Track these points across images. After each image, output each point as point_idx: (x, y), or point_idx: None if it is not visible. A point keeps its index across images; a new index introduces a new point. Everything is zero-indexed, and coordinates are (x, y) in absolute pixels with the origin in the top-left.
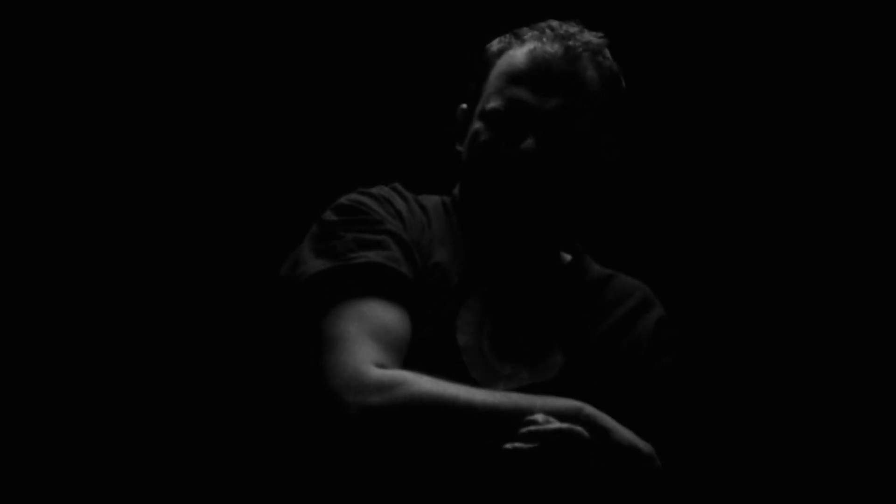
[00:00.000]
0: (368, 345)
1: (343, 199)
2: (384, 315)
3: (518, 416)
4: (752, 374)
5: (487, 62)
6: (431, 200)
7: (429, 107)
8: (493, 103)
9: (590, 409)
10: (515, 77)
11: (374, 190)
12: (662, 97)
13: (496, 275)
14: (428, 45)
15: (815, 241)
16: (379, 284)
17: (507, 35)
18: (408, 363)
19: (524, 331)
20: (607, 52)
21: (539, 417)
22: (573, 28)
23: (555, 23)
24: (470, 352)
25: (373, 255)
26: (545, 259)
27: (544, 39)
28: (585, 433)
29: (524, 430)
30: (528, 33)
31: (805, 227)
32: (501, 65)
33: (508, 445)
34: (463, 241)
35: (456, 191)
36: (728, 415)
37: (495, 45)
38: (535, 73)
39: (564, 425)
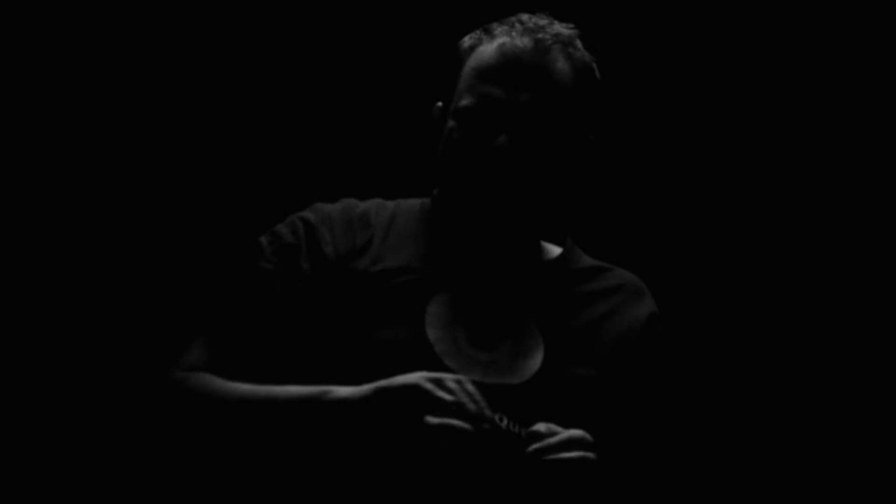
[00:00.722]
0: (195, 354)
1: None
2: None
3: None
4: (747, 371)
5: (459, 59)
6: (407, 204)
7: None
8: (465, 101)
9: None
10: (486, 73)
11: (305, 213)
12: (655, 92)
13: (470, 269)
14: (423, 43)
15: (809, 235)
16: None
17: (478, 31)
18: (385, 364)
19: (502, 320)
20: (579, 43)
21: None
22: (543, 20)
23: (525, 16)
24: (442, 343)
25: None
26: (523, 252)
27: (513, 34)
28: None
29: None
30: (497, 28)
31: (799, 221)
32: (472, 61)
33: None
34: (437, 239)
35: (435, 191)
36: (723, 412)
37: (466, 41)
38: (506, 68)
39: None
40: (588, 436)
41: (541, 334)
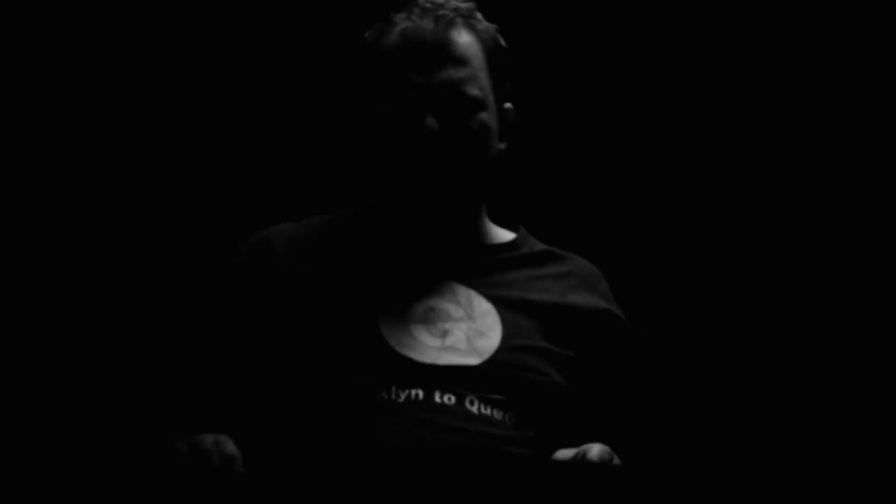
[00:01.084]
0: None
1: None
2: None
3: None
4: (746, 370)
5: (366, 55)
6: (344, 214)
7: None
8: (384, 93)
9: None
10: (397, 61)
11: (258, 234)
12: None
13: (416, 260)
14: None
15: (806, 233)
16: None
17: (377, 24)
18: (346, 367)
19: (455, 304)
20: (479, 15)
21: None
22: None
23: None
24: (398, 337)
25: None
26: (469, 232)
27: (413, 17)
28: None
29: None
30: (397, 16)
31: (796, 219)
32: (380, 54)
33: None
34: (383, 241)
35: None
36: (721, 411)
37: (370, 36)
38: (414, 52)
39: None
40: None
41: (497, 314)
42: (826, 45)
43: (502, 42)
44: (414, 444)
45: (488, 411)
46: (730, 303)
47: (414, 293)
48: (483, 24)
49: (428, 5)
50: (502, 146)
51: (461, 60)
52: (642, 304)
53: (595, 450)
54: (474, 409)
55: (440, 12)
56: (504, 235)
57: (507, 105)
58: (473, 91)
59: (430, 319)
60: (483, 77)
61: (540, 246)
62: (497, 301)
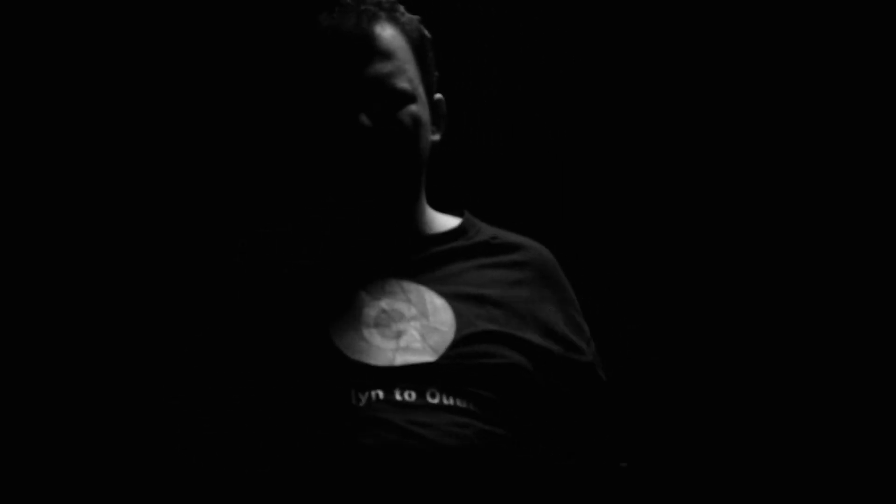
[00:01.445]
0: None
1: None
2: None
3: None
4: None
5: (300, 57)
6: (311, 216)
7: None
8: (318, 93)
9: None
10: (325, 61)
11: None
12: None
13: (363, 264)
14: None
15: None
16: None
17: (304, 27)
18: (303, 381)
19: (405, 302)
20: (402, 8)
21: None
22: None
23: None
24: (352, 346)
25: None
26: (408, 229)
27: (335, 16)
28: None
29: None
30: (321, 17)
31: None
32: (310, 55)
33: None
34: (329, 246)
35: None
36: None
37: (299, 39)
38: (339, 51)
39: None
40: None
41: (451, 308)
42: (812, 44)
43: (427, 33)
44: (382, 444)
45: (451, 401)
46: (718, 298)
47: (364, 297)
48: (406, 16)
49: (350, 2)
50: (436, 137)
51: (386, 54)
52: (630, 299)
53: None
54: (436, 401)
55: (362, 8)
56: (448, 223)
57: (438, 96)
58: (402, 84)
59: (382, 322)
60: (410, 69)
61: (488, 230)
62: (450, 295)
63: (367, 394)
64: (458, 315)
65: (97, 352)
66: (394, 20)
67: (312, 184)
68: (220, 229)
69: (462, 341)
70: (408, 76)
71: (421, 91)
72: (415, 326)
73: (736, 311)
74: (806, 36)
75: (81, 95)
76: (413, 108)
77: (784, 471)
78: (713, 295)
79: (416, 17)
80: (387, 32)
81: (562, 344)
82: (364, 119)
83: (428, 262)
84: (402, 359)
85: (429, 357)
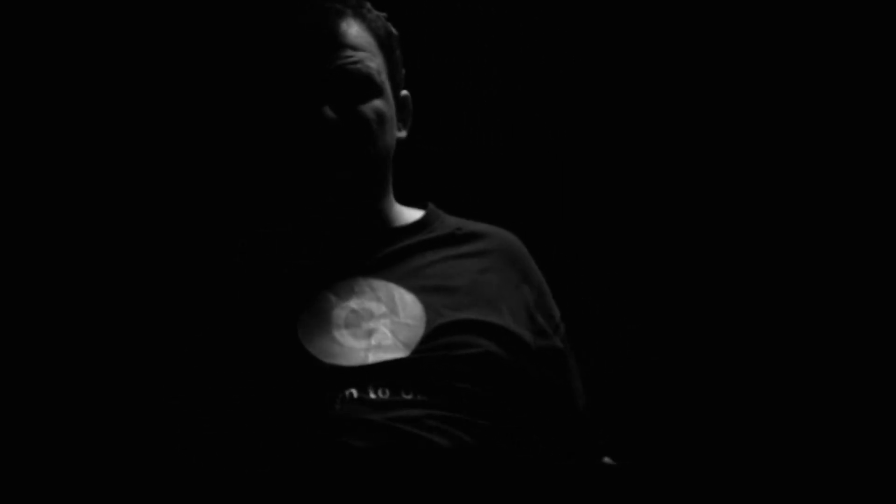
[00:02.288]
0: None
1: None
2: None
3: None
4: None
5: (263, 51)
6: (267, 227)
7: None
8: (280, 88)
9: None
10: (289, 55)
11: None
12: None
13: (329, 265)
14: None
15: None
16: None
17: (268, 22)
18: (277, 388)
19: (373, 300)
20: (368, 5)
21: None
22: None
23: None
24: (323, 349)
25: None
26: (373, 224)
27: (302, 11)
28: None
29: None
30: (286, 11)
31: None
32: (274, 49)
33: None
34: (296, 248)
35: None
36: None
37: (261, 34)
38: (305, 45)
39: None
40: None
41: (420, 303)
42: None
43: (393, 30)
44: (373, 444)
45: (425, 396)
46: (718, 298)
47: (333, 298)
48: (373, 13)
49: None
50: (402, 134)
51: (353, 48)
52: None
53: None
54: (410, 396)
55: (328, 4)
56: (412, 215)
57: (404, 92)
58: (366, 73)
59: (352, 322)
60: (377, 63)
61: (452, 221)
62: (418, 289)
63: (340, 394)
64: (428, 308)
65: (96, 352)
66: (360, 17)
67: (279, 178)
68: (219, 229)
69: (433, 334)
70: (374, 68)
71: (387, 87)
72: (385, 324)
73: (736, 311)
74: (806, 36)
75: (71, 97)
76: (377, 102)
77: (784, 471)
78: (713, 295)
79: (382, 14)
80: (353, 29)
81: (532, 330)
82: (328, 111)
83: (394, 256)
84: (374, 357)
85: (400, 353)
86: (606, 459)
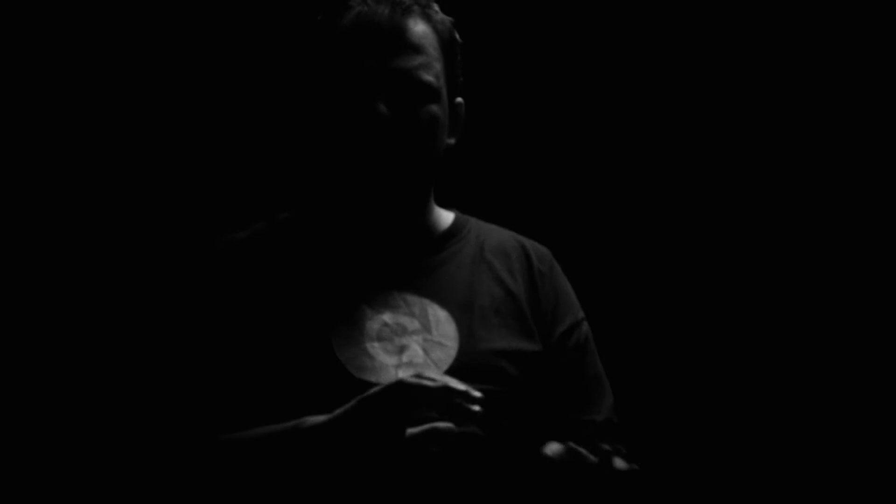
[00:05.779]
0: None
1: None
2: None
3: None
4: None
5: (317, 37)
6: (285, 218)
7: None
8: (336, 77)
9: None
10: (350, 45)
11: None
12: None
13: (365, 273)
14: None
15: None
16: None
17: (332, 6)
18: (306, 400)
19: (406, 315)
20: (436, 6)
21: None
22: None
23: None
24: (355, 362)
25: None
26: (412, 232)
27: (369, 3)
28: None
29: None
30: (353, 2)
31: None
32: (333, 37)
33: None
34: (328, 250)
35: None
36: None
37: (322, 18)
38: (368, 38)
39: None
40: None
41: (453, 321)
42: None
43: (457, 36)
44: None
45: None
46: (718, 298)
47: (366, 309)
48: (440, 15)
49: None
50: (452, 141)
51: (416, 48)
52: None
53: (552, 448)
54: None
55: (396, 0)
56: (446, 220)
57: (459, 100)
58: (427, 79)
59: (385, 336)
60: (437, 68)
61: (480, 228)
62: (452, 307)
63: None
64: (462, 329)
65: (97, 351)
66: (427, 17)
67: (320, 175)
68: (219, 229)
69: (464, 358)
70: (434, 73)
71: (444, 92)
72: (417, 341)
73: (736, 311)
74: (806, 36)
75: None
76: (433, 107)
77: (784, 471)
78: (713, 295)
79: (449, 19)
80: (419, 28)
81: (556, 350)
82: (382, 108)
83: (429, 269)
84: (405, 375)
85: (432, 372)
86: (619, 463)
